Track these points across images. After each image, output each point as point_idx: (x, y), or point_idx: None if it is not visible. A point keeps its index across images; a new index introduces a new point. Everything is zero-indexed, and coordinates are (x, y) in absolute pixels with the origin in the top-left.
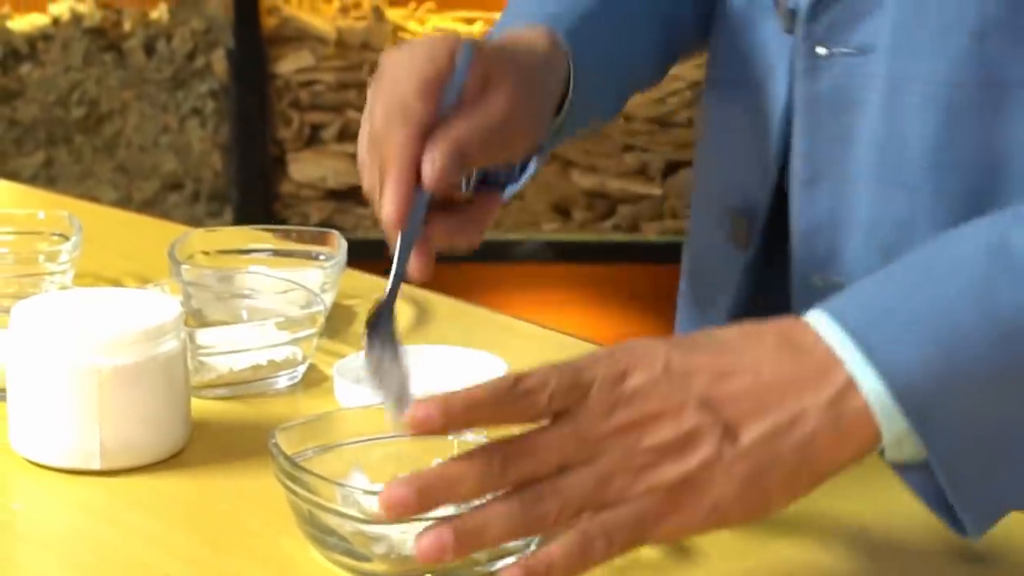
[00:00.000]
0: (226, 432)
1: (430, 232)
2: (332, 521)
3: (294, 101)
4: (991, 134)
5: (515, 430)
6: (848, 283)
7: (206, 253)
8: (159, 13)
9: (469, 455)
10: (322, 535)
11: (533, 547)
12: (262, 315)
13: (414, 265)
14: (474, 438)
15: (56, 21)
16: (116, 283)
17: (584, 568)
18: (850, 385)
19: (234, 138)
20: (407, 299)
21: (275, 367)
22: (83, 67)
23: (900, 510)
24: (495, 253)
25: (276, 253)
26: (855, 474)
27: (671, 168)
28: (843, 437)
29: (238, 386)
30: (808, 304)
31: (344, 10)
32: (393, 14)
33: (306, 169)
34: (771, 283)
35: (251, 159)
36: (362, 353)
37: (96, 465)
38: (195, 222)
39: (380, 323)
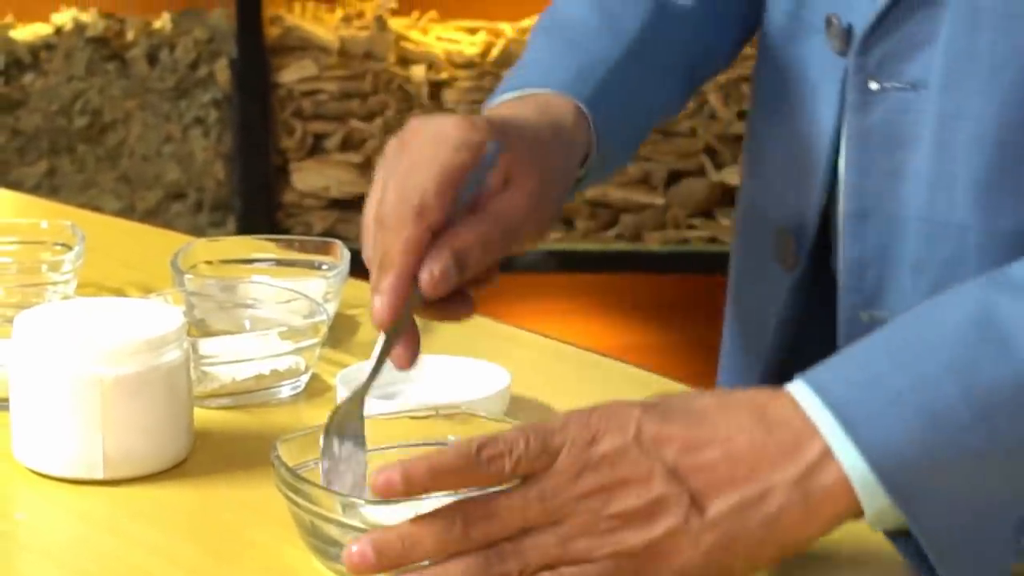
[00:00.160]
0: (229, 442)
1: (423, 312)
2: (333, 531)
3: (297, 110)
4: None
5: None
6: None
7: (209, 263)
8: (162, 23)
9: (431, 516)
10: (324, 545)
11: None
12: (265, 325)
13: (399, 355)
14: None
15: (59, 30)
16: (119, 293)
17: None
18: (824, 460)
19: (237, 147)
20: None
21: (278, 377)
22: (86, 76)
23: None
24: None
25: (279, 263)
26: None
27: (674, 178)
28: (812, 513)
29: (241, 396)
30: (854, 339)
31: (347, 20)
32: (396, 24)
33: (309, 178)
34: (819, 303)
35: (254, 168)
36: (362, 365)
37: (99, 475)
38: (198, 232)
39: (348, 414)
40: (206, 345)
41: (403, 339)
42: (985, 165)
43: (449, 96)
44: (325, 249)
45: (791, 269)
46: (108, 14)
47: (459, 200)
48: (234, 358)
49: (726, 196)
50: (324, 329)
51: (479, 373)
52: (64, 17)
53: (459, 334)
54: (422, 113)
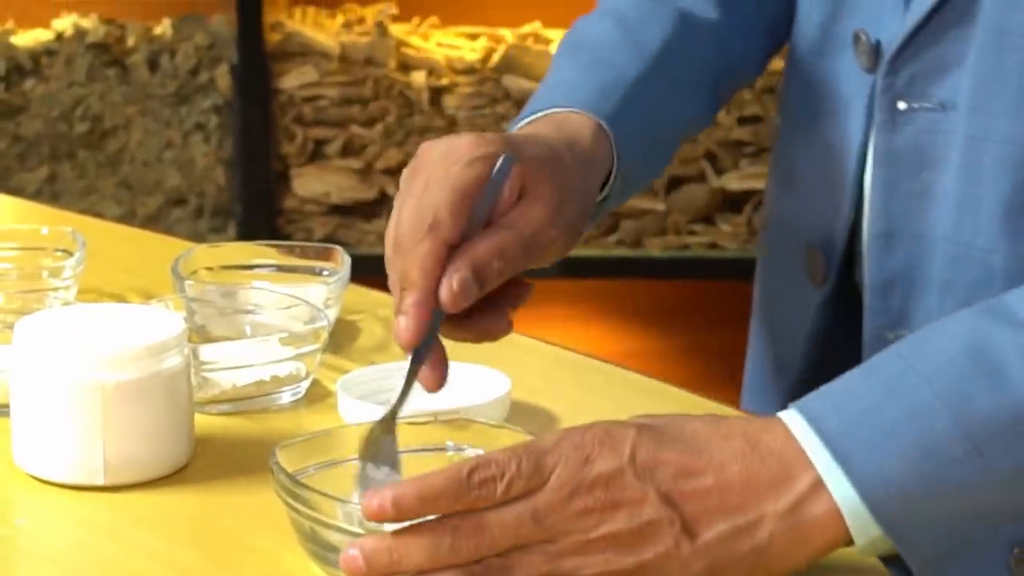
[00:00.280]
0: (229, 448)
1: (455, 335)
2: (333, 538)
3: (298, 116)
4: None
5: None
6: None
7: (210, 269)
8: (163, 28)
9: (422, 529)
10: (323, 551)
11: None
12: (266, 331)
13: (428, 376)
14: (473, 452)
15: (60, 36)
16: (120, 299)
17: None
18: (816, 490)
19: (238, 153)
20: None
21: (278, 383)
22: (87, 82)
23: None
24: None
25: (280, 269)
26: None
27: (675, 183)
28: (802, 542)
29: (241, 402)
30: None
31: (348, 26)
32: (397, 29)
33: (310, 184)
34: (848, 319)
35: (255, 174)
36: (368, 370)
37: (99, 481)
38: (198, 237)
39: (382, 438)
40: (207, 351)
41: (430, 360)
42: (1011, 188)
43: (450, 102)
44: (326, 255)
45: (820, 285)
46: (109, 20)
47: (475, 215)
48: (235, 364)
49: (727, 202)
50: (325, 335)
51: (480, 379)
52: (65, 23)
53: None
54: (423, 119)
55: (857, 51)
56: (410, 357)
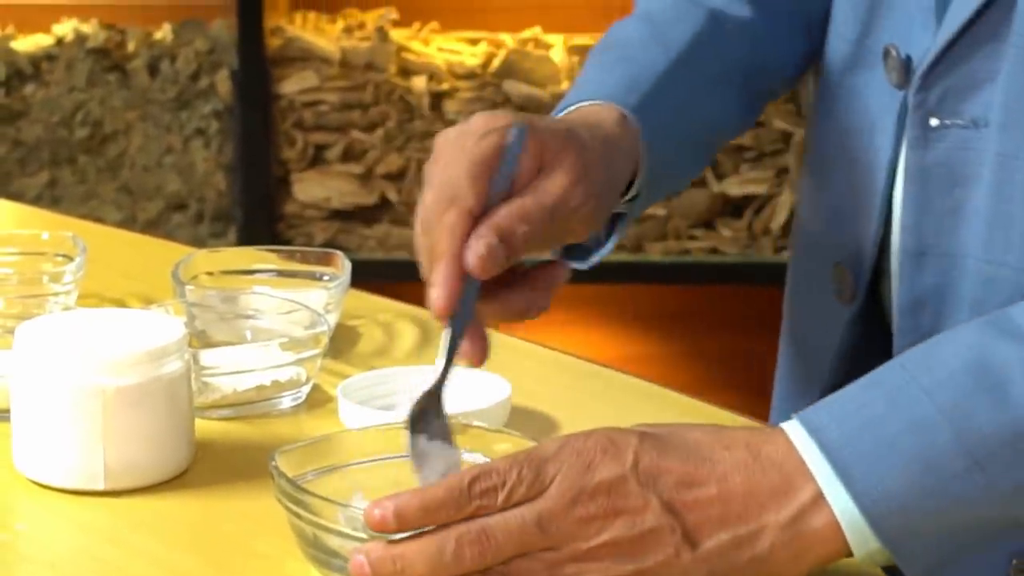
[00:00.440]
0: (230, 453)
1: (491, 310)
2: (333, 543)
3: (298, 121)
4: None
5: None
6: None
7: (210, 274)
8: (163, 34)
9: (425, 537)
10: (324, 556)
11: None
12: (266, 336)
13: (468, 350)
14: (472, 456)
15: (60, 41)
16: (120, 304)
17: None
18: (816, 501)
19: (238, 158)
20: (411, 320)
21: (279, 387)
22: (87, 88)
23: None
24: None
25: (280, 274)
26: None
27: None
28: (802, 553)
29: (242, 407)
30: None
31: (348, 31)
32: (397, 35)
33: (310, 189)
34: (877, 337)
35: (255, 179)
36: (369, 375)
37: (100, 486)
38: (199, 243)
39: (428, 412)
40: (207, 356)
41: (470, 334)
42: None
43: (450, 107)
44: (326, 260)
45: (848, 303)
46: (109, 25)
47: (494, 187)
48: (235, 369)
49: (727, 207)
50: (325, 340)
51: (480, 383)
52: (65, 28)
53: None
54: (423, 124)
55: (887, 67)
56: (447, 328)
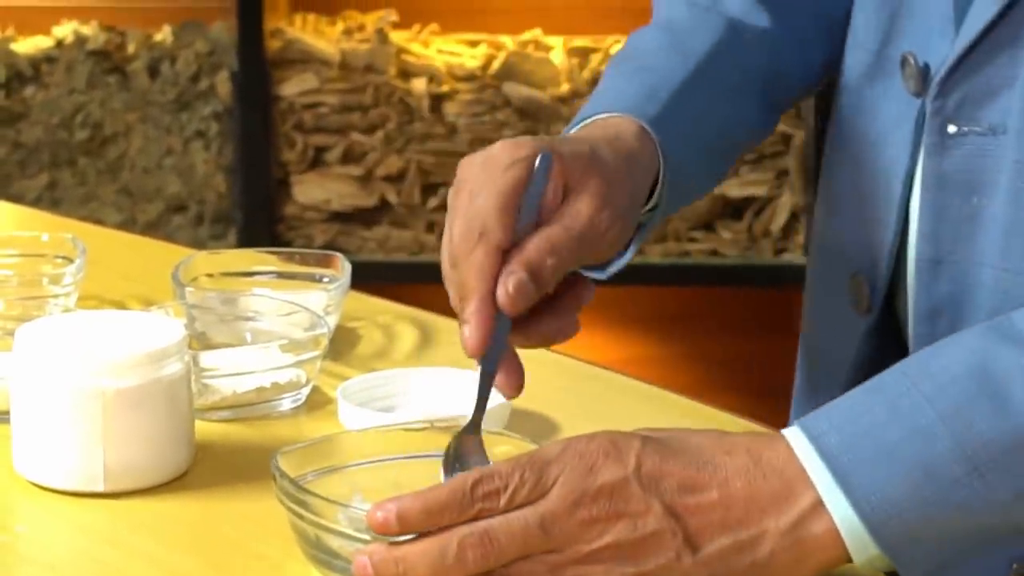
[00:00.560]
0: (230, 454)
1: (521, 340)
2: (335, 543)
3: (298, 123)
4: None
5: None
6: None
7: (210, 275)
8: (163, 35)
9: (427, 541)
10: (327, 557)
11: None
12: (266, 337)
13: (504, 383)
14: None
15: (60, 43)
16: (120, 305)
17: None
18: (816, 508)
19: (238, 160)
20: (410, 322)
21: (279, 389)
22: (87, 89)
23: None
24: None
25: (280, 275)
26: None
27: None
28: (802, 559)
29: (242, 408)
30: None
31: (348, 33)
32: (397, 37)
33: (310, 191)
34: (894, 348)
35: (255, 181)
36: (368, 377)
37: (100, 487)
38: (199, 244)
39: (463, 450)
40: (207, 358)
41: (504, 366)
42: None
43: (450, 109)
44: (326, 262)
45: (865, 314)
46: (109, 27)
47: (522, 218)
48: (235, 371)
49: (727, 209)
50: (325, 342)
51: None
52: (65, 30)
53: (459, 346)
54: (423, 126)
55: (905, 75)
56: (480, 365)
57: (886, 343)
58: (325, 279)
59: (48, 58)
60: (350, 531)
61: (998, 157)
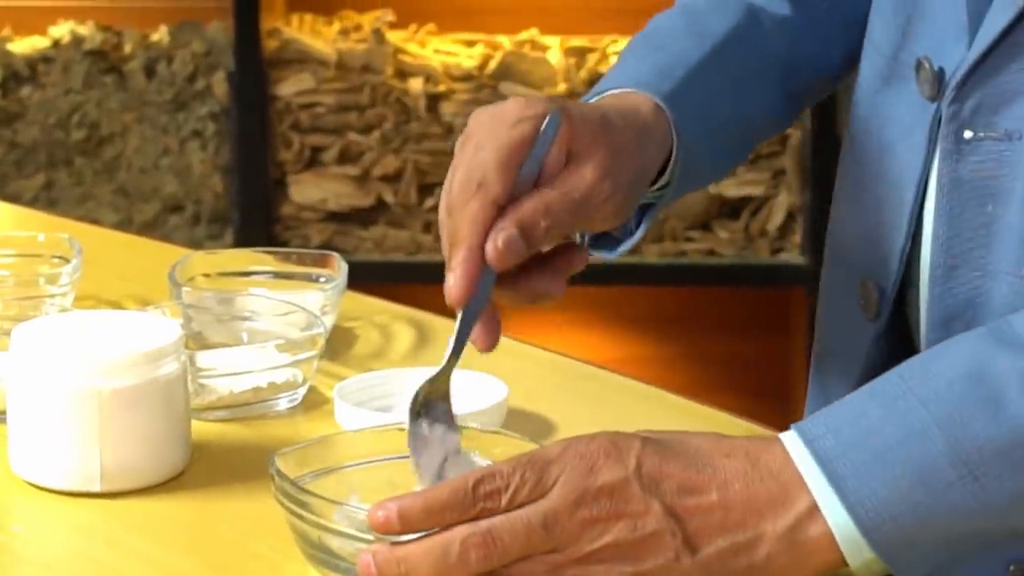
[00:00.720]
0: (226, 454)
1: (505, 294)
2: (335, 543)
3: (295, 123)
4: None
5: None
6: None
7: (206, 275)
8: (160, 35)
9: (429, 541)
10: (328, 558)
11: None
12: (262, 337)
13: (479, 336)
14: (482, 461)
15: (56, 43)
16: (116, 305)
17: None
18: (812, 511)
19: (235, 160)
20: (407, 321)
21: (275, 389)
22: (83, 89)
23: None
24: None
25: (276, 275)
26: None
27: None
28: (798, 562)
29: (238, 408)
30: None
31: (345, 33)
32: (394, 37)
33: (307, 191)
34: (902, 358)
35: (252, 181)
36: (365, 377)
37: (96, 487)
38: (195, 244)
39: (432, 397)
40: (203, 358)
41: (482, 320)
42: None
43: (447, 108)
44: (323, 262)
45: (874, 320)
46: (106, 27)
47: (523, 175)
48: (231, 371)
49: (724, 208)
50: (321, 342)
51: (476, 385)
52: (62, 30)
53: None
54: (420, 126)
55: (919, 79)
56: (460, 315)
57: (896, 349)
58: (322, 279)
59: (44, 58)
60: (351, 531)
61: (1014, 163)
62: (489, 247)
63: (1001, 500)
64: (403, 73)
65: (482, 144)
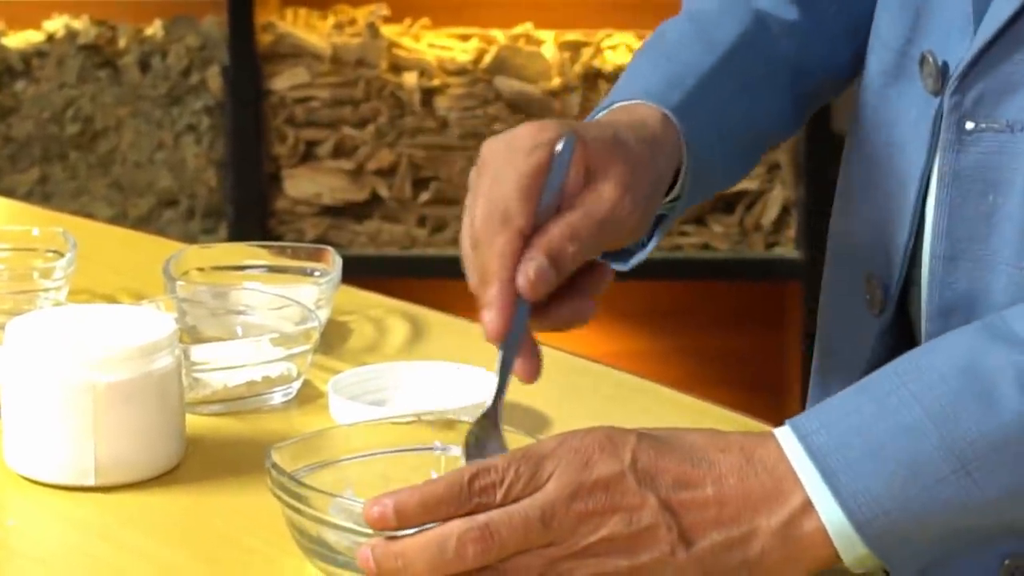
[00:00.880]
0: (220, 448)
1: (539, 323)
2: (331, 537)
3: (289, 117)
4: None
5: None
6: None
7: (201, 269)
8: (154, 30)
9: (426, 536)
10: (325, 551)
11: None
12: (257, 331)
13: (522, 368)
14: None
15: (51, 38)
16: (111, 300)
17: None
18: (806, 508)
19: (229, 154)
20: (401, 315)
21: (270, 383)
22: (78, 84)
23: None
24: None
25: (271, 269)
26: None
27: None
28: (793, 558)
29: (233, 402)
30: None
31: (339, 27)
32: (388, 31)
33: (301, 185)
34: (908, 349)
35: (246, 175)
36: (359, 371)
37: (90, 481)
38: (190, 238)
39: (483, 436)
40: (198, 352)
41: (523, 351)
42: None
43: (441, 103)
44: (317, 256)
45: (878, 315)
46: (100, 21)
47: (544, 201)
48: (226, 365)
49: (719, 203)
50: (316, 336)
51: (471, 379)
52: (56, 24)
53: (452, 340)
54: (414, 120)
55: (923, 73)
56: (501, 351)
57: (900, 344)
58: (316, 273)
59: (39, 52)
60: (349, 524)
61: (1015, 155)
62: (521, 280)
63: (994, 495)
64: (398, 67)
65: (500, 175)
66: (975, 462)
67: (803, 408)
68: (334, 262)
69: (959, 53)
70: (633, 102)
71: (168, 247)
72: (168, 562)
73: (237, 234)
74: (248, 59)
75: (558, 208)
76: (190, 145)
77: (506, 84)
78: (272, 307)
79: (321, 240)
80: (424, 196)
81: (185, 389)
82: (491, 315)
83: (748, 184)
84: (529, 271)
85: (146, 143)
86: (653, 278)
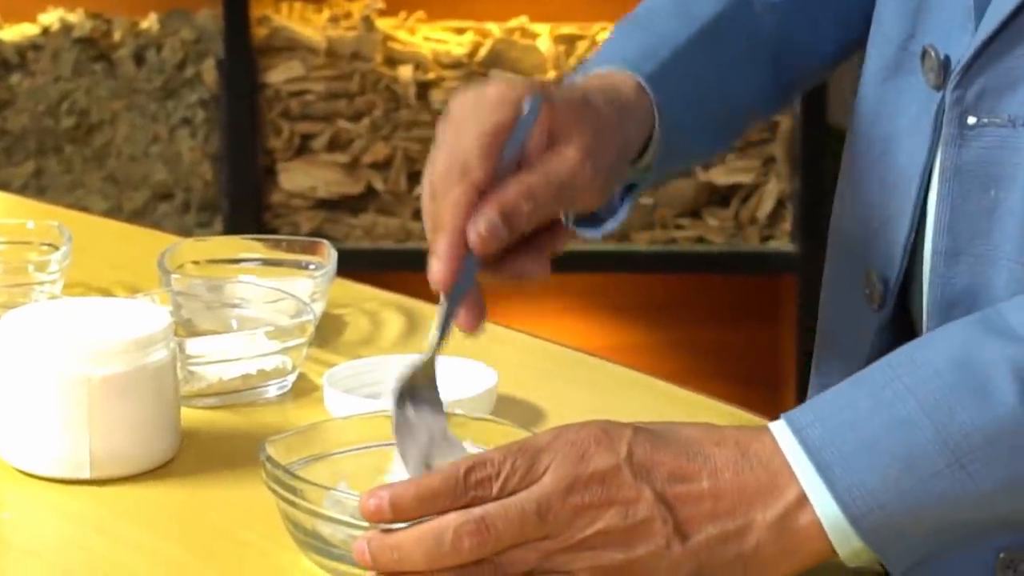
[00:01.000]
0: (216, 441)
1: (489, 274)
2: (326, 530)
3: (284, 111)
4: None
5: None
6: None
7: (196, 263)
8: (149, 23)
9: (423, 529)
10: (320, 544)
11: None
12: (252, 324)
13: (463, 318)
14: (472, 447)
15: (46, 31)
16: (106, 293)
17: None
18: (802, 501)
19: (224, 148)
20: (396, 308)
21: (265, 376)
22: (73, 77)
23: None
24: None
25: (266, 263)
26: None
27: None
28: (788, 552)
29: (228, 395)
30: None
31: (334, 20)
32: (383, 24)
33: (296, 179)
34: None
35: (241, 169)
36: (355, 363)
37: (85, 474)
38: (185, 232)
39: (417, 382)
40: (193, 345)
41: (467, 303)
42: None
43: (436, 96)
44: (312, 249)
45: (878, 310)
46: (95, 14)
47: (505, 158)
48: (221, 358)
49: (714, 196)
50: (311, 329)
51: (466, 372)
52: (51, 17)
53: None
54: (409, 113)
55: (925, 68)
56: (445, 301)
57: (900, 339)
58: (311, 266)
59: (34, 45)
60: (344, 517)
61: (1017, 149)
62: (471, 233)
63: (988, 488)
64: (393, 60)
65: (463, 129)
66: (970, 455)
67: (799, 402)
68: (329, 255)
69: (961, 47)
70: (607, 70)
71: (163, 240)
72: (163, 555)
73: (232, 227)
74: (243, 52)
75: (519, 166)
76: (185, 138)
77: (501, 77)
78: (267, 300)
79: (316, 233)
80: (419, 189)
81: (180, 382)
82: (439, 265)
83: (743, 177)
84: (480, 225)
85: (141, 136)
86: (648, 271)
